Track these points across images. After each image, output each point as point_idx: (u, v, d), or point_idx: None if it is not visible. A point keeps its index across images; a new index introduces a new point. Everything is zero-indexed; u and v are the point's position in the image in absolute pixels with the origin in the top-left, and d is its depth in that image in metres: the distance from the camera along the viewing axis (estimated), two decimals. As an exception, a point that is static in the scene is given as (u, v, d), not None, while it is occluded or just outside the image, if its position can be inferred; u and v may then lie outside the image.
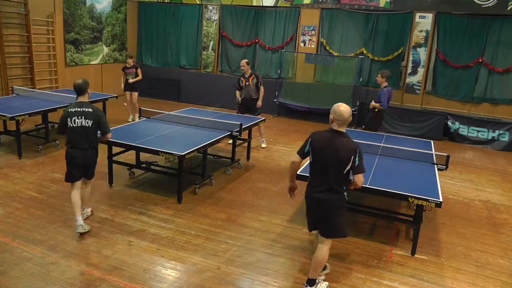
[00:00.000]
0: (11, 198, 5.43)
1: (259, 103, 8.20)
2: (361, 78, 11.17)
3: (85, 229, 4.59)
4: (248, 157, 7.65)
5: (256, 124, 7.56)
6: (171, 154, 5.26)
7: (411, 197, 4.26)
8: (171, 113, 7.39)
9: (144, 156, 6.52)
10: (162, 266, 4.14)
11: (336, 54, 11.40)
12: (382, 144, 5.95)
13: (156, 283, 3.86)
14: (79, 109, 4.61)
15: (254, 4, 12.22)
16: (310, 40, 11.73)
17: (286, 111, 11.82)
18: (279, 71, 11.98)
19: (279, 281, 4.00)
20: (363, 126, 7.57)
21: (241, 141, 7.50)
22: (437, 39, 10.59)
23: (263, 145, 8.54)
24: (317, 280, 3.82)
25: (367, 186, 4.36)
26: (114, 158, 6.03)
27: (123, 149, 6.04)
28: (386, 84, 7.26)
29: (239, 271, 4.12)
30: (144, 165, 6.44)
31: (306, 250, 4.59)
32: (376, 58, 11.14)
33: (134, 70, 9.65)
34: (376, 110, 7.26)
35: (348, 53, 11.36)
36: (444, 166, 5.37)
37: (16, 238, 4.44)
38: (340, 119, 3.56)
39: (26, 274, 3.85)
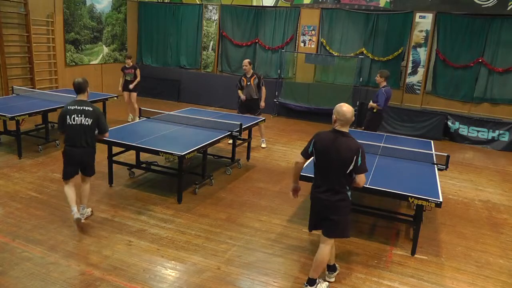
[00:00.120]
0: (11, 198, 5.43)
1: (262, 103, 8.21)
2: (361, 78, 11.17)
3: (79, 216, 4.66)
4: (248, 157, 7.65)
5: (256, 124, 7.57)
6: (171, 154, 5.26)
7: (411, 197, 4.26)
8: (171, 113, 7.39)
9: (144, 156, 6.52)
10: (162, 266, 4.14)
11: (336, 54, 11.40)
12: (382, 144, 5.95)
13: (156, 283, 3.86)
14: (79, 107, 4.63)
15: (254, 4, 12.22)
16: (310, 40, 11.73)
17: (286, 111, 11.82)
18: (279, 71, 11.98)
19: (279, 281, 4.00)
20: (363, 127, 7.58)
21: (241, 141, 7.50)
22: (437, 39, 10.59)
23: (263, 145, 8.54)
24: (317, 280, 3.82)
25: (367, 186, 4.36)
26: (114, 158, 6.03)
27: (123, 149, 6.05)
28: (385, 84, 7.26)
29: (239, 271, 4.12)
30: (144, 165, 6.44)
31: (306, 250, 4.59)
32: (376, 58, 11.14)
33: (132, 70, 9.64)
34: (374, 110, 7.26)
35: (348, 53, 11.37)
36: (444, 166, 5.37)
37: (16, 238, 4.44)
38: (343, 119, 3.57)
39: (26, 274, 3.85)
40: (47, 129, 7.74)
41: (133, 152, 6.31)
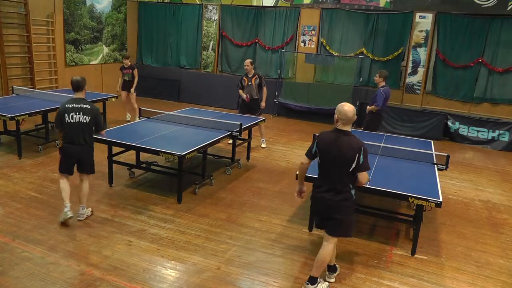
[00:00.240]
0: (11, 198, 5.43)
1: (263, 104, 8.22)
2: (361, 78, 11.17)
3: (68, 215, 4.71)
4: (248, 157, 7.65)
5: (256, 124, 7.57)
6: (171, 154, 5.26)
7: (411, 197, 4.26)
8: (171, 113, 7.39)
9: (144, 156, 6.51)
10: (162, 266, 4.14)
11: (336, 54, 11.40)
12: (382, 144, 5.95)
13: (156, 283, 3.86)
14: (76, 105, 4.67)
15: (254, 4, 12.22)
16: (310, 40, 11.73)
17: (286, 111, 11.82)
18: (279, 71, 11.98)
19: (279, 281, 4.00)
20: (363, 128, 7.59)
21: (241, 141, 7.50)
22: (437, 39, 10.59)
23: (263, 145, 8.55)
24: (318, 279, 3.83)
25: (367, 186, 4.36)
26: (114, 158, 6.03)
27: (123, 149, 6.04)
28: (384, 84, 7.29)
29: (239, 271, 4.12)
30: (144, 165, 6.44)
31: (306, 250, 4.59)
32: (376, 58, 11.14)
33: (130, 70, 9.62)
34: (373, 111, 7.28)
35: (348, 53, 11.36)
36: (444, 166, 5.37)
37: (16, 238, 4.44)
38: (345, 119, 3.60)
39: (26, 274, 3.85)
40: (47, 129, 7.74)
41: (133, 152, 6.31)
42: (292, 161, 7.73)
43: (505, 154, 9.43)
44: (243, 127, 6.49)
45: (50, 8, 10.61)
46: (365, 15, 11.07)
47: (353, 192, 3.70)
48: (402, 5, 10.65)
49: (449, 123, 10.14)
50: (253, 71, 8.15)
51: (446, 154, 5.47)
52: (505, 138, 9.70)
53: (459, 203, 6.31)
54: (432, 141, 6.73)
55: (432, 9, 10.41)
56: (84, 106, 4.71)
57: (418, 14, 10.56)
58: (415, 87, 10.92)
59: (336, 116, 3.65)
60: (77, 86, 4.77)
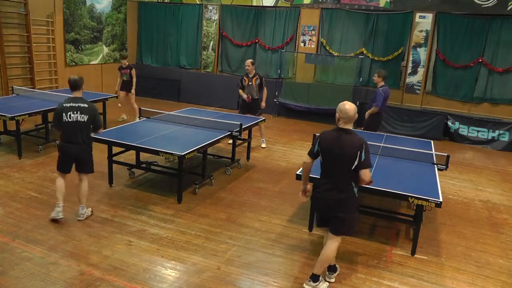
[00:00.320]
0: (11, 198, 5.43)
1: (263, 104, 8.22)
2: (361, 78, 11.17)
3: (59, 216, 4.77)
4: (248, 157, 7.65)
5: (256, 124, 7.57)
6: (171, 154, 5.26)
7: (411, 197, 4.26)
8: (171, 113, 7.39)
9: (144, 156, 6.51)
10: (162, 266, 4.14)
11: (336, 54, 11.39)
12: (382, 144, 5.95)
13: (156, 283, 3.86)
14: (74, 104, 4.68)
15: (254, 4, 12.22)
16: (310, 40, 11.73)
17: (286, 111, 11.82)
18: (279, 71, 11.98)
19: (279, 281, 4.00)
20: (363, 128, 7.60)
21: (241, 141, 7.50)
22: (437, 39, 10.59)
23: (263, 145, 8.55)
24: (320, 278, 3.83)
25: (367, 186, 4.35)
26: (114, 158, 6.03)
27: (123, 149, 6.04)
28: (383, 83, 7.31)
29: (239, 271, 4.12)
30: (144, 165, 6.44)
31: (306, 250, 4.59)
32: (376, 58, 11.14)
33: (128, 70, 9.61)
34: (374, 112, 7.29)
35: (348, 53, 11.36)
36: (444, 166, 5.37)
37: (16, 238, 4.44)
38: (346, 117, 3.64)
39: (26, 274, 3.85)
40: (47, 129, 7.73)
41: (133, 152, 6.31)
42: (292, 161, 7.73)
43: (505, 154, 9.43)
44: (243, 127, 6.49)
45: (50, 8, 10.60)
46: (365, 15, 11.07)
47: (355, 190, 3.72)
48: (402, 5, 10.65)
49: (449, 123, 10.14)
50: (254, 71, 8.15)
51: (446, 154, 5.47)
52: (505, 138, 9.70)
53: (459, 203, 6.31)
54: (432, 141, 6.73)
55: (432, 9, 10.41)
56: (82, 105, 4.72)
57: (418, 14, 10.55)
58: (415, 87, 10.92)
59: (337, 115, 3.69)
60: (75, 85, 4.78)
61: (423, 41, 10.64)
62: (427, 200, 4.20)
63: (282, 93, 11.84)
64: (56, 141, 7.62)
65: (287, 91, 11.81)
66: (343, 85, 11.39)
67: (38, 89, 9.75)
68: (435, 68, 10.77)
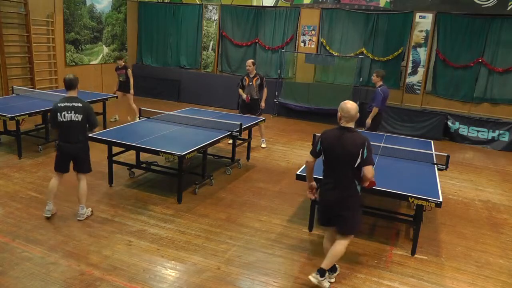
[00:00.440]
0: (11, 198, 5.43)
1: (262, 104, 8.21)
2: (361, 78, 11.17)
3: (47, 215, 4.85)
4: (248, 157, 7.65)
5: (256, 124, 7.57)
6: (171, 154, 5.26)
7: (411, 197, 4.26)
8: (171, 113, 7.39)
9: (144, 156, 6.51)
10: (162, 266, 4.14)
11: (336, 54, 11.40)
12: (382, 144, 5.95)
13: (156, 283, 3.86)
14: (69, 104, 4.70)
15: (254, 4, 12.22)
16: (310, 40, 11.73)
17: (286, 111, 11.81)
18: (279, 71, 11.98)
19: (279, 281, 4.00)
20: (365, 129, 7.60)
21: (241, 141, 7.50)
22: (437, 39, 10.59)
23: (263, 145, 8.54)
24: (326, 274, 3.83)
25: (365, 186, 4.36)
26: (114, 158, 6.03)
27: (123, 149, 6.04)
28: (381, 83, 7.33)
29: (239, 271, 4.12)
30: (144, 165, 6.44)
31: (306, 250, 4.59)
32: (376, 58, 11.14)
33: (124, 71, 9.57)
34: (375, 113, 7.29)
35: (348, 53, 11.36)
36: (444, 166, 5.37)
37: (16, 238, 4.44)
38: (348, 116, 3.68)
39: (26, 274, 3.85)
40: (47, 129, 7.73)
41: (133, 152, 6.31)
42: (292, 161, 7.73)
43: (505, 154, 9.43)
44: (243, 127, 6.49)
45: (50, 8, 10.60)
46: (365, 15, 11.07)
47: (359, 188, 3.75)
48: (402, 5, 10.65)
49: (449, 123, 10.14)
50: (255, 71, 8.15)
51: (446, 154, 5.47)
52: (505, 138, 9.70)
53: (459, 203, 6.31)
54: (432, 141, 6.73)
55: (432, 9, 10.41)
56: (76, 104, 4.72)
57: (418, 14, 10.56)
58: (415, 87, 10.92)
59: (339, 114, 3.73)
60: (70, 84, 4.80)
61: (423, 41, 10.64)
62: (427, 200, 4.20)
63: (282, 93, 11.84)
64: (56, 141, 7.62)
65: (287, 91, 11.81)
66: (343, 85, 11.39)
67: (38, 89, 9.75)
68: (435, 68, 10.77)
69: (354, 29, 11.27)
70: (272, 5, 11.99)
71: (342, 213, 3.74)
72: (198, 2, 12.96)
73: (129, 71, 9.62)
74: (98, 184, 5.99)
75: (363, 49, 11.20)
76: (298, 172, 4.80)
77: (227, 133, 6.37)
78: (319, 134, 3.94)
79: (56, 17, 10.74)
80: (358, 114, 3.74)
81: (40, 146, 7.35)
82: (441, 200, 4.20)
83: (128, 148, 5.84)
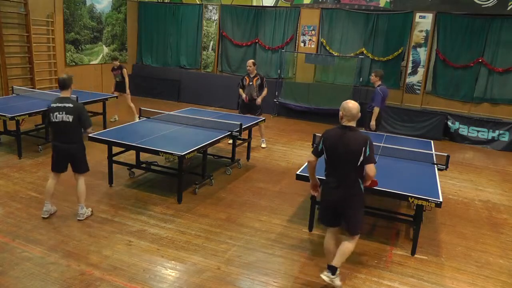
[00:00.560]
0: (11, 198, 5.43)
1: (258, 100, 8.10)
2: (361, 78, 11.17)
3: (44, 215, 4.86)
4: (248, 157, 7.65)
5: (256, 124, 7.57)
6: (171, 154, 5.26)
7: (411, 197, 4.26)
8: (171, 113, 7.39)
9: (144, 156, 6.51)
10: (162, 266, 4.14)
11: (336, 54, 11.40)
12: (382, 144, 5.95)
13: (156, 283, 3.86)
14: (60, 105, 4.71)
15: (254, 4, 12.22)
16: (310, 40, 11.73)
17: (286, 111, 11.81)
18: (279, 71, 11.98)
19: (279, 281, 4.00)
20: (365, 129, 7.60)
21: (241, 141, 7.50)
22: (437, 39, 10.59)
23: (263, 145, 8.54)
24: (338, 271, 3.83)
25: (367, 186, 4.36)
26: (114, 158, 6.03)
27: (123, 149, 6.04)
28: (380, 83, 7.34)
29: (239, 271, 4.12)
30: (144, 165, 6.44)
31: (306, 250, 4.59)
32: (376, 58, 11.14)
33: (119, 71, 9.55)
34: (376, 113, 7.29)
35: (348, 53, 11.36)
36: (444, 166, 5.37)
37: (16, 238, 4.44)
38: (349, 115, 3.71)
39: (26, 274, 3.85)
40: (47, 129, 7.73)
41: (133, 152, 6.31)
42: (292, 161, 7.73)
43: (505, 154, 9.43)
44: (243, 127, 6.49)
45: (50, 8, 10.60)
46: (365, 15, 11.07)
47: (362, 187, 3.76)
48: (402, 5, 10.65)
49: (449, 123, 10.14)
50: (255, 71, 8.14)
51: (446, 154, 5.47)
52: (505, 138, 9.70)
53: (459, 203, 6.31)
54: (432, 141, 6.73)
55: (432, 9, 10.41)
56: (67, 105, 4.71)
57: (418, 14, 10.56)
58: (415, 87, 10.92)
59: (341, 113, 3.76)
60: (63, 84, 4.79)
61: (423, 41, 10.64)
62: (427, 200, 4.20)
63: (282, 93, 11.84)
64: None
65: (287, 91, 11.81)
66: (343, 85, 11.38)
67: (38, 89, 9.75)
68: (435, 68, 10.77)
69: (354, 29, 11.27)
70: (272, 5, 11.99)
71: (344, 212, 3.76)
72: (198, 2, 12.96)
73: (124, 71, 9.60)
74: (98, 184, 5.99)
75: (363, 49, 11.20)
76: (298, 172, 4.80)
77: (227, 133, 6.37)
78: (319, 134, 3.95)
79: (56, 17, 10.74)
80: (360, 114, 3.76)
81: (40, 146, 7.35)
82: (441, 200, 4.20)
83: (128, 148, 5.84)
